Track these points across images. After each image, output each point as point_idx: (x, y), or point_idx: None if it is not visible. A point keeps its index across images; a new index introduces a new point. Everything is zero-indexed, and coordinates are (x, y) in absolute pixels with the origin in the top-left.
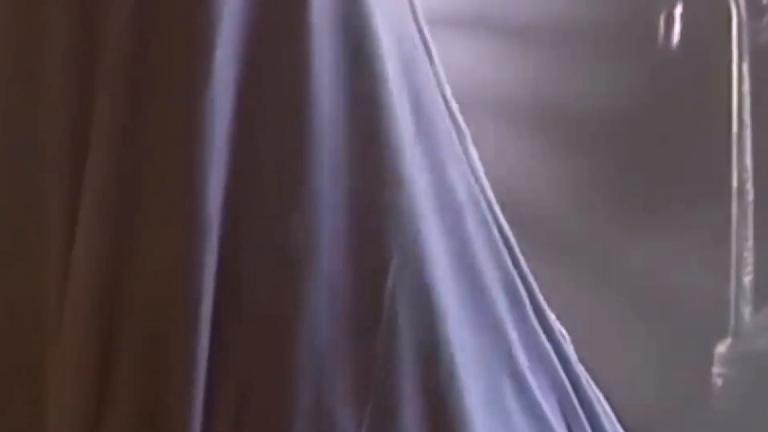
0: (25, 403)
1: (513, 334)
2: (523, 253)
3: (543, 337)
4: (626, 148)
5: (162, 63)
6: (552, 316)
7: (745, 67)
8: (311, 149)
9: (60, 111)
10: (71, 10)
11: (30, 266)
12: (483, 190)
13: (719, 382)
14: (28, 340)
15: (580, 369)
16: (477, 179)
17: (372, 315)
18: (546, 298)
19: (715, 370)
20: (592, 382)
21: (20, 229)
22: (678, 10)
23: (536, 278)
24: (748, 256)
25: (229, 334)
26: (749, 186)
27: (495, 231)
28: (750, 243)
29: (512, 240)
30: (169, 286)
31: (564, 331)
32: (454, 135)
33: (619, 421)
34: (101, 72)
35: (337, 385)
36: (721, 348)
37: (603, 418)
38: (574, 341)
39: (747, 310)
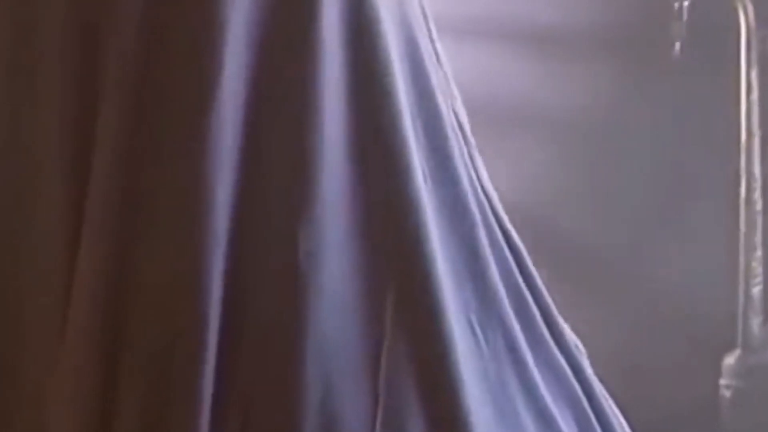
0: (27, 411)
1: (523, 344)
2: (535, 263)
3: (554, 348)
4: (634, 157)
5: (168, 75)
6: (565, 327)
7: (754, 75)
8: (318, 164)
9: (58, 118)
10: (70, 21)
11: (30, 272)
12: (489, 197)
13: (727, 394)
14: (29, 347)
15: (594, 380)
16: (483, 186)
17: (377, 326)
18: (556, 308)
19: (723, 381)
20: (606, 394)
21: (20, 233)
22: (685, 18)
23: (546, 288)
24: (757, 267)
25: (236, 346)
26: (757, 195)
27: (501, 238)
28: (759, 253)
29: (521, 248)
30: (175, 297)
31: (578, 342)
32: (462, 142)
33: None
34: (105, 84)
35: (344, 395)
36: (730, 360)
37: (618, 430)
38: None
39: (756, 322)
